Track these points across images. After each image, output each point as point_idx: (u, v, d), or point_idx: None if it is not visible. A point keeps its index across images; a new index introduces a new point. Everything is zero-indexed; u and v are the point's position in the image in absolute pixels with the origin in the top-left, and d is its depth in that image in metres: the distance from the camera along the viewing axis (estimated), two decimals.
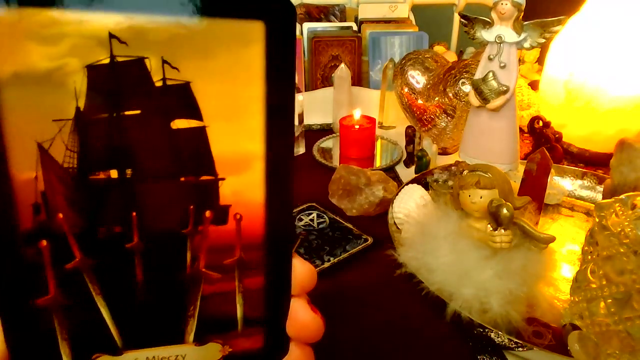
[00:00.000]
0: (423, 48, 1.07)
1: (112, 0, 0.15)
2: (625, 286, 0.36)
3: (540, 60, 1.02)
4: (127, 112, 0.16)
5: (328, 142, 0.87)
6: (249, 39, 0.16)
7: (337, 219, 0.61)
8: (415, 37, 1.09)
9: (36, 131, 0.15)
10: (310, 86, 1.07)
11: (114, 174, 0.17)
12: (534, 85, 0.96)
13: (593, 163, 0.77)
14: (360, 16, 1.15)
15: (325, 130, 0.92)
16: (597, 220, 0.38)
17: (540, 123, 0.80)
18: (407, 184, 0.61)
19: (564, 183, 0.67)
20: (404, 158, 0.80)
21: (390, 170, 0.76)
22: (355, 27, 1.11)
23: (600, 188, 0.64)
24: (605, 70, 0.73)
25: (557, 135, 0.79)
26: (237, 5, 0.16)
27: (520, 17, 0.56)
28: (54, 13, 0.15)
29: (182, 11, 0.15)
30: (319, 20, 1.15)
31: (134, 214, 0.17)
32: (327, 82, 1.07)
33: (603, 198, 0.57)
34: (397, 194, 0.59)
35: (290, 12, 0.16)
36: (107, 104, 0.16)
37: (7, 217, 0.16)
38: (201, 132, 0.17)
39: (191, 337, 0.19)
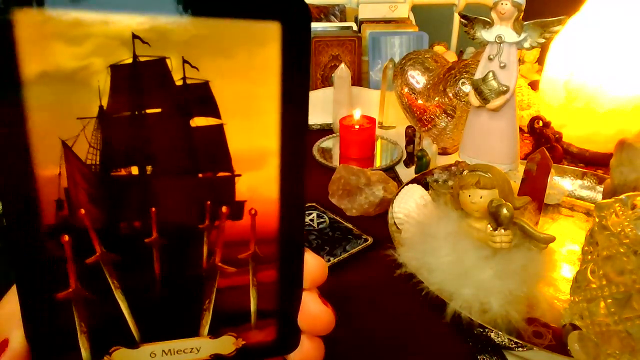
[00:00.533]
0: (423, 48, 1.07)
1: (135, 2, 0.15)
2: (625, 286, 0.36)
3: (540, 60, 1.02)
4: (148, 111, 0.17)
5: (328, 142, 0.87)
6: (265, 39, 0.17)
7: (337, 219, 0.61)
8: (415, 37, 1.09)
9: (60, 129, 0.16)
10: (311, 86, 1.07)
11: (134, 170, 0.17)
12: (534, 85, 0.96)
13: (593, 163, 0.77)
14: (360, 16, 1.15)
15: (325, 130, 0.92)
16: (597, 220, 0.38)
17: (540, 123, 0.80)
18: (407, 184, 0.61)
19: (564, 183, 0.67)
20: (404, 158, 0.80)
21: (390, 170, 0.76)
22: (355, 27, 1.11)
23: (600, 188, 0.64)
24: (605, 71, 0.73)
25: (557, 135, 0.79)
26: (254, 6, 0.16)
27: (520, 17, 0.56)
28: (79, 14, 0.15)
29: (202, 12, 0.16)
30: (319, 20, 1.15)
31: (153, 209, 0.18)
32: (327, 82, 1.07)
33: (603, 198, 0.57)
34: (397, 194, 0.59)
35: (305, 12, 0.17)
36: (129, 102, 0.16)
37: (31, 212, 0.16)
38: (219, 130, 0.17)
39: (206, 330, 0.20)
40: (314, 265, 0.21)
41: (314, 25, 1.10)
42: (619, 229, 0.36)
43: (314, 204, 0.64)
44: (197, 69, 0.16)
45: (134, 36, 0.16)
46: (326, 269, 0.21)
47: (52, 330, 0.18)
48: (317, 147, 0.84)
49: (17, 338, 0.18)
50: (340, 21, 1.16)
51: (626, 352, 0.36)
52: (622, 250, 0.36)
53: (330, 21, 1.16)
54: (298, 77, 0.18)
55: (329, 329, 0.21)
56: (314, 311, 0.21)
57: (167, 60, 0.16)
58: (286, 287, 0.20)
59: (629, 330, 0.36)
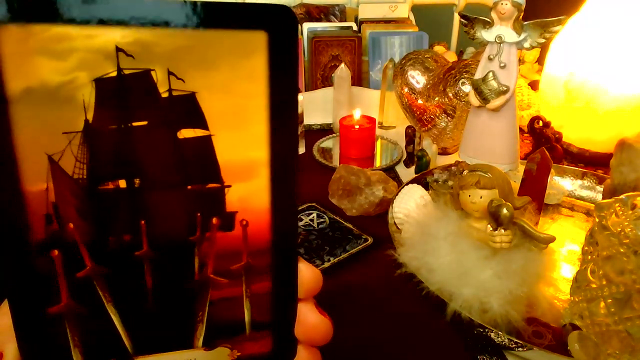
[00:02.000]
0: (423, 48, 1.07)
1: (118, 15, 0.15)
2: (625, 286, 0.36)
3: (540, 60, 1.02)
4: (134, 123, 0.17)
5: (328, 142, 0.87)
6: (252, 49, 0.17)
7: (337, 219, 0.61)
8: (415, 37, 1.09)
9: (46, 144, 0.16)
10: (310, 86, 1.07)
11: (122, 183, 0.17)
12: (534, 85, 0.96)
13: (593, 163, 0.77)
14: (360, 16, 1.15)
15: (325, 130, 0.92)
16: (597, 220, 0.38)
17: (540, 123, 0.80)
18: (407, 184, 0.61)
19: (564, 183, 0.67)
20: (404, 158, 0.80)
21: (390, 170, 0.76)
22: (355, 27, 1.11)
23: (600, 188, 0.64)
24: (605, 70, 0.73)
25: (557, 135, 0.79)
26: (239, 15, 0.16)
27: (520, 17, 0.56)
28: (62, 28, 0.15)
29: (186, 23, 0.16)
30: (319, 20, 1.14)
31: (143, 222, 0.18)
32: (327, 82, 1.07)
33: (603, 198, 0.57)
34: (397, 194, 0.59)
35: (292, 21, 0.17)
36: (115, 115, 0.16)
37: (20, 227, 0.16)
38: (207, 141, 0.17)
39: (200, 342, 0.19)
40: (308, 275, 0.20)
41: (314, 25, 1.09)
42: (619, 229, 0.36)
43: (314, 204, 0.64)
44: (182, 80, 0.16)
45: (118, 49, 0.15)
46: (321, 279, 0.21)
47: (45, 345, 0.18)
48: (317, 147, 0.84)
49: (11, 352, 0.18)
50: (340, 21, 1.16)
51: (626, 352, 0.36)
52: (622, 250, 0.36)
53: (330, 21, 1.16)
54: (286, 86, 0.17)
55: (327, 339, 0.21)
56: (310, 321, 0.20)
57: (152, 73, 0.16)
58: (280, 297, 0.20)
59: (629, 330, 0.36)
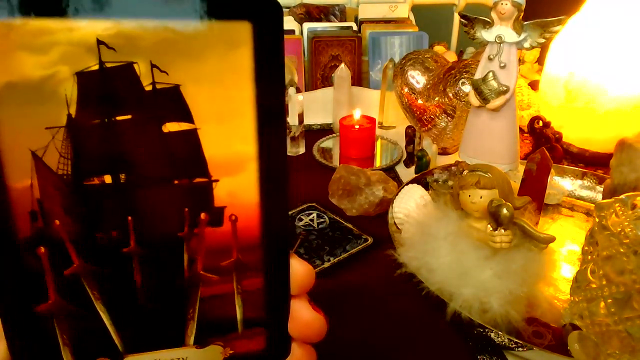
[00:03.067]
0: (423, 48, 1.07)
1: (100, 7, 0.15)
2: (625, 286, 0.36)
3: (540, 60, 1.01)
4: (118, 117, 0.16)
5: (328, 142, 0.87)
6: (236, 40, 0.16)
7: (337, 219, 0.61)
8: (415, 37, 1.09)
9: (29, 139, 0.16)
10: (310, 86, 1.07)
11: (108, 179, 0.17)
12: (534, 85, 0.95)
13: (593, 163, 0.77)
14: (360, 16, 1.15)
15: (325, 130, 0.92)
16: (597, 220, 0.38)
17: (540, 123, 0.80)
18: (407, 184, 0.61)
19: (564, 183, 0.67)
20: (404, 158, 0.80)
21: (390, 170, 0.76)
22: (355, 27, 1.11)
23: (600, 188, 0.64)
24: (605, 71, 0.73)
25: (557, 135, 0.79)
26: (222, 6, 0.16)
27: (520, 17, 0.56)
28: (43, 22, 0.15)
29: (169, 15, 0.16)
30: (319, 20, 1.14)
31: (130, 218, 0.17)
32: (327, 82, 1.07)
33: (603, 198, 0.57)
34: (397, 194, 0.59)
35: (276, 11, 0.16)
36: (98, 109, 0.16)
37: (5, 225, 0.16)
38: (193, 135, 0.17)
39: (192, 340, 0.19)
40: (300, 271, 0.20)
41: (314, 25, 1.09)
42: (619, 229, 0.36)
43: (314, 204, 0.64)
44: (166, 73, 0.16)
45: (99, 42, 0.15)
46: (313, 275, 0.20)
47: (34, 343, 0.18)
48: (317, 147, 0.84)
49: (0, 351, 0.17)
50: (340, 21, 1.16)
51: (626, 352, 0.36)
52: (622, 250, 0.36)
53: (330, 21, 1.16)
54: (273, 78, 0.17)
55: (321, 335, 0.20)
56: (304, 318, 0.20)
57: (135, 66, 0.16)
58: (273, 294, 0.20)
59: (629, 330, 0.36)
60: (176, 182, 0.18)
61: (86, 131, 0.16)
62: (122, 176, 0.17)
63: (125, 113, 0.16)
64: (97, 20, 0.15)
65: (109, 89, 0.16)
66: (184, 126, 0.17)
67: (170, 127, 0.17)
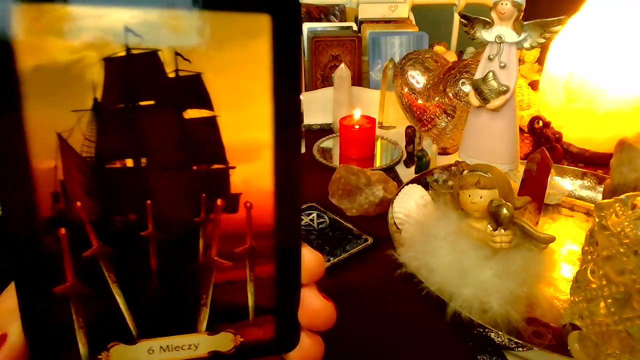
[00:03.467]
0: (423, 48, 1.07)
1: None
2: (625, 286, 0.36)
3: (540, 60, 1.02)
4: (141, 103, 0.17)
5: (328, 142, 0.87)
6: (256, 32, 0.17)
7: (337, 219, 0.61)
8: (415, 37, 1.09)
9: (56, 121, 0.16)
10: (310, 86, 1.07)
11: (129, 162, 0.17)
12: (534, 85, 0.95)
13: (593, 163, 0.77)
14: (360, 16, 1.15)
15: (325, 130, 0.92)
16: (597, 220, 0.38)
17: (540, 123, 0.80)
18: (407, 184, 0.61)
19: (564, 183, 0.67)
20: (404, 158, 0.80)
21: (390, 170, 0.76)
22: (355, 27, 1.11)
23: (600, 188, 0.64)
24: (605, 71, 0.73)
25: (557, 135, 0.79)
26: None
27: (520, 17, 0.56)
28: (73, 8, 0.15)
29: (193, 5, 0.16)
30: (319, 20, 1.15)
31: (149, 202, 0.18)
32: (327, 82, 1.07)
33: (603, 198, 0.57)
34: (397, 194, 0.59)
35: (295, 5, 0.17)
36: (122, 94, 0.17)
37: (28, 205, 0.17)
38: (212, 122, 0.17)
39: (204, 326, 0.19)
40: (311, 259, 0.20)
41: (314, 25, 1.09)
42: (619, 229, 0.36)
43: (314, 204, 0.64)
44: (189, 61, 0.17)
45: (127, 29, 0.16)
46: (324, 263, 0.21)
47: (49, 325, 0.18)
48: (317, 147, 0.84)
49: (15, 333, 0.18)
50: (340, 21, 1.16)
51: (626, 352, 0.36)
52: (622, 250, 0.36)
53: (330, 21, 1.16)
54: (289, 69, 0.18)
55: (331, 323, 0.21)
56: (314, 306, 0.20)
57: (160, 53, 0.16)
58: (284, 282, 0.20)
59: (629, 330, 0.36)
60: (195, 167, 0.18)
61: (111, 115, 0.17)
62: (143, 160, 0.17)
63: (148, 99, 0.17)
64: (124, 9, 0.16)
65: (133, 75, 0.16)
66: (204, 113, 0.17)
67: (191, 113, 0.17)
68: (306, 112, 0.83)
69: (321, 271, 0.21)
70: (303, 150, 0.82)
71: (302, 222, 0.60)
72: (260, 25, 0.17)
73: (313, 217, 0.61)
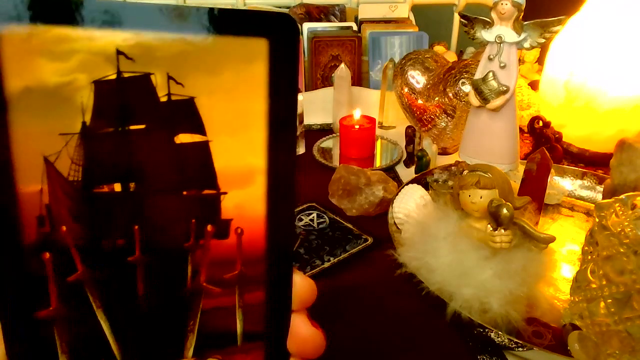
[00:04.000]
0: (423, 48, 1.07)
1: (120, 18, 0.15)
2: (625, 286, 0.36)
3: (540, 60, 1.01)
4: (132, 127, 0.17)
5: (328, 142, 0.87)
6: (253, 56, 0.17)
7: (337, 219, 0.61)
8: (415, 37, 1.09)
9: (43, 145, 0.16)
10: (310, 86, 1.07)
11: (117, 187, 0.17)
12: (534, 85, 0.95)
13: (593, 163, 0.77)
14: (360, 16, 1.15)
15: (325, 130, 0.92)
16: (597, 220, 0.38)
17: (540, 123, 0.80)
18: (407, 184, 0.61)
19: (564, 183, 0.67)
20: (404, 158, 0.80)
21: (390, 170, 0.76)
22: (355, 27, 1.11)
23: (600, 188, 0.64)
24: (605, 71, 0.73)
25: (557, 135, 0.79)
26: (241, 23, 0.16)
27: (520, 17, 0.56)
28: (64, 30, 0.15)
29: (188, 29, 0.16)
30: (319, 20, 1.14)
31: (137, 227, 0.17)
32: (327, 82, 1.07)
33: (603, 198, 0.57)
34: (397, 194, 0.59)
35: (293, 30, 0.17)
36: (112, 118, 0.16)
37: (12, 229, 0.16)
38: (204, 147, 0.17)
39: (190, 352, 0.19)
40: (302, 286, 0.20)
41: (314, 25, 1.09)
42: (619, 229, 0.36)
43: (314, 204, 0.64)
44: (182, 85, 0.16)
45: (119, 52, 0.15)
46: (315, 291, 0.20)
47: (33, 350, 0.18)
48: (317, 147, 0.84)
49: None
50: (340, 21, 1.16)
51: (626, 352, 0.36)
52: (622, 250, 0.36)
53: (330, 21, 1.16)
54: (285, 94, 0.17)
55: (319, 352, 0.20)
56: (303, 334, 0.20)
57: (152, 77, 0.16)
58: (274, 308, 0.20)
59: (629, 330, 0.36)
60: (185, 193, 0.18)
61: (99, 139, 0.16)
62: (132, 185, 0.17)
63: (139, 123, 0.17)
64: (117, 31, 0.15)
65: (124, 98, 0.16)
66: (196, 138, 0.17)
67: (183, 138, 0.17)
68: (306, 112, 0.83)
69: (312, 298, 0.20)
70: (303, 150, 0.82)
71: (302, 222, 0.60)
72: (257, 50, 0.16)
73: (313, 217, 0.61)
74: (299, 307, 0.20)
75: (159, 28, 0.16)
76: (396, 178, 0.74)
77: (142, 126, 0.17)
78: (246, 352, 0.20)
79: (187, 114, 0.17)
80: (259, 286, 0.19)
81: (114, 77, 0.16)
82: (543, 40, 0.56)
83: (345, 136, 0.80)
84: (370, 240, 0.56)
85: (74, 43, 0.15)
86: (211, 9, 0.16)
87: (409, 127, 0.81)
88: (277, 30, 0.17)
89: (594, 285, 0.38)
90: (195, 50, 0.16)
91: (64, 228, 0.17)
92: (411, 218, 0.53)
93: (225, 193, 0.18)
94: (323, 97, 0.96)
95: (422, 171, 0.68)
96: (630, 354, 0.36)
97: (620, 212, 0.37)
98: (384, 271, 0.49)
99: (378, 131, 0.85)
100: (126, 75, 0.16)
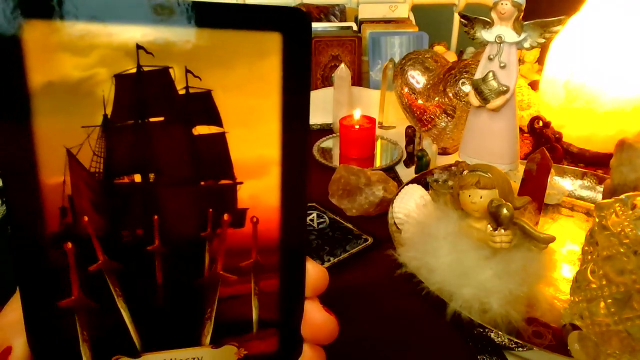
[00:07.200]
0: (423, 48, 1.07)
1: (139, 14, 0.16)
2: (625, 286, 0.36)
3: (540, 60, 1.01)
4: (151, 119, 0.17)
5: (328, 142, 0.87)
6: (267, 50, 0.17)
7: (337, 219, 0.61)
8: (415, 37, 1.09)
9: (65, 137, 0.16)
10: (311, 86, 1.07)
11: (137, 178, 0.18)
12: (534, 85, 0.95)
13: (593, 163, 0.77)
14: (360, 16, 1.15)
15: (325, 130, 0.92)
16: (597, 220, 0.38)
17: (540, 123, 0.80)
18: (407, 184, 0.61)
19: (564, 183, 0.67)
20: (404, 158, 0.80)
21: (390, 170, 0.76)
22: (355, 27, 1.11)
23: (600, 188, 0.64)
24: (605, 71, 0.73)
25: (557, 135, 0.79)
26: (255, 17, 0.17)
27: (520, 17, 0.56)
28: (86, 26, 0.15)
29: (204, 24, 0.16)
30: (319, 20, 1.14)
31: (156, 217, 0.18)
32: (327, 82, 1.07)
33: (603, 198, 0.57)
34: (397, 194, 0.59)
35: (306, 23, 0.17)
36: (132, 111, 0.17)
37: (35, 219, 0.17)
38: (221, 138, 0.18)
39: (208, 340, 0.20)
40: (315, 273, 0.20)
41: (314, 25, 1.10)
42: (619, 229, 0.36)
43: (314, 204, 0.64)
44: (199, 78, 0.17)
45: (138, 47, 0.16)
46: (327, 278, 0.21)
47: (54, 339, 0.18)
48: (317, 147, 0.84)
49: (20, 346, 0.18)
50: (340, 21, 1.16)
51: (626, 352, 0.36)
52: (622, 250, 0.36)
53: (330, 21, 1.16)
54: (299, 87, 0.18)
55: (333, 337, 0.21)
56: (317, 320, 0.21)
57: (170, 70, 0.17)
58: (288, 296, 0.20)
59: (629, 330, 0.36)
60: (202, 183, 0.18)
61: (120, 131, 0.17)
62: (152, 176, 0.18)
63: (158, 115, 0.17)
64: (136, 27, 0.16)
65: (144, 91, 0.17)
66: (213, 129, 0.18)
67: (200, 129, 0.18)
68: None
69: (325, 285, 0.21)
70: None
71: None
72: (271, 44, 0.17)
73: (313, 217, 0.61)
74: (311, 294, 0.21)
75: (177, 23, 0.16)
76: (396, 178, 0.74)
77: (161, 118, 0.17)
78: (261, 338, 0.20)
79: (204, 106, 0.17)
80: (274, 274, 0.20)
81: (134, 71, 0.16)
82: (543, 40, 0.56)
83: (345, 136, 0.80)
84: (370, 240, 0.56)
85: (95, 38, 0.16)
86: (226, 5, 0.16)
87: (409, 127, 0.81)
88: (290, 25, 0.17)
89: (594, 285, 0.38)
90: (212, 44, 0.17)
91: (86, 218, 0.17)
92: (411, 218, 0.53)
93: (241, 183, 0.18)
94: (323, 97, 0.96)
95: (422, 171, 0.68)
96: (630, 354, 0.36)
97: (620, 212, 0.37)
98: (384, 271, 0.49)
99: (378, 131, 0.85)
100: (146, 69, 0.16)
